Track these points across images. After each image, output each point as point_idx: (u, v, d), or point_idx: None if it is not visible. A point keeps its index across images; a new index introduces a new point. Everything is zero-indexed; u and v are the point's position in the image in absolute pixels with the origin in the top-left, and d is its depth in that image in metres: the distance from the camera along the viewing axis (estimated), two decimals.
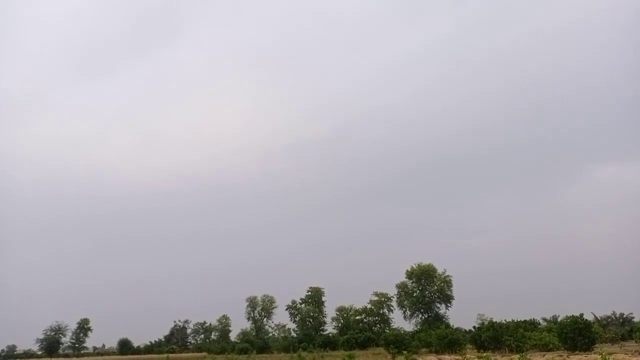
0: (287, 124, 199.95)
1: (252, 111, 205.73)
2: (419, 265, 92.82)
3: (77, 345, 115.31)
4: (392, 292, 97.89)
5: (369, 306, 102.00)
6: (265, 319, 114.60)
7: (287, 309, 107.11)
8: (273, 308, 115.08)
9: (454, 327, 70.01)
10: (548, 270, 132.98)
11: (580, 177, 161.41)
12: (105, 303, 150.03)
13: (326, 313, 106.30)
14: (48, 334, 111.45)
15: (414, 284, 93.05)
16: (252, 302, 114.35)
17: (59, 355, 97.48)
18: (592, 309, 71.94)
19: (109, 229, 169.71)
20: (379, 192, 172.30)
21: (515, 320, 54.77)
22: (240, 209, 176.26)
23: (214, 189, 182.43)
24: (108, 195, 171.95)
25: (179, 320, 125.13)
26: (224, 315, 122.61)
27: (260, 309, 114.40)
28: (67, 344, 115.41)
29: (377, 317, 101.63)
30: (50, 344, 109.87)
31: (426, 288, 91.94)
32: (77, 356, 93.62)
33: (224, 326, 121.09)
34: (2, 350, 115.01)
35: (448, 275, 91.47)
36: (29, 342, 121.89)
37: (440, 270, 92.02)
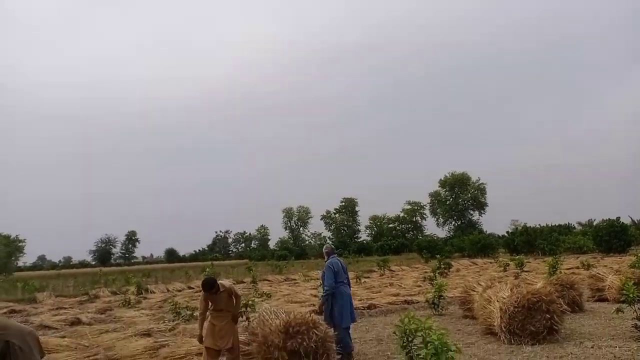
0: (315, 33, 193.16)
1: (275, 22, 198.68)
2: (452, 174, 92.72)
3: (127, 256, 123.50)
4: (425, 201, 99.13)
5: (402, 214, 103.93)
6: (301, 228, 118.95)
7: (322, 219, 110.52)
8: (308, 218, 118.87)
9: (487, 233, 70.89)
10: (585, 170, 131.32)
11: (628, 79, 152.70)
12: (151, 215, 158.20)
13: (360, 222, 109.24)
14: (100, 245, 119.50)
15: (447, 192, 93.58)
16: (288, 213, 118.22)
17: (111, 265, 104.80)
18: (630, 213, 71.35)
19: (142, 142, 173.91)
20: (411, 98, 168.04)
21: (550, 225, 54.95)
22: (273, 118, 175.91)
23: (244, 99, 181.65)
24: (141, 110, 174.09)
25: (221, 231, 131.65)
26: (262, 226, 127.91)
27: (296, 219, 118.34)
28: (117, 255, 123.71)
29: (410, 225, 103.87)
30: (103, 254, 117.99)
31: (459, 196, 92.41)
32: (128, 265, 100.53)
33: (262, 235, 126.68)
34: (59, 262, 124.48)
35: (482, 183, 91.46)
36: (83, 253, 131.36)
37: (474, 179, 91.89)
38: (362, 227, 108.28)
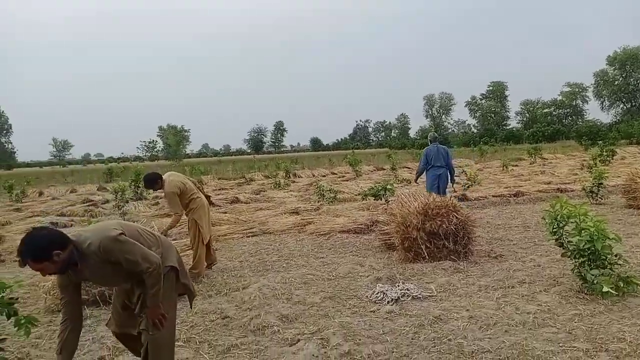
0: None
1: None
2: (624, 49, 79.47)
3: (276, 144, 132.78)
4: (588, 82, 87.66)
5: (559, 98, 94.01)
6: (443, 116, 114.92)
7: (466, 105, 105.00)
8: (451, 105, 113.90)
9: None
10: None
11: None
12: (297, 106, 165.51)
13: (509, 108, 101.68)
14: (252, 134, 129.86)
15: (616, 71, 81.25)
16: (429, 100, 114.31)
17: (263, 153, 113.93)
18: None
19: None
20: None
21: None
22: None
23: None
24: None
25: (361, 120, 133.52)
26: (402, 114, 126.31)
27: (438, 106, 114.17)
28: (268, 143, 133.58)
29: (568, 109, 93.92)
30: (255, 143, 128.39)
31: (631, 75, 79.77)
32: (278, 153, 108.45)
33: (402, 124, 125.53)
34: (220, 150, 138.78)
35: None
36: (239, 142, 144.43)
37: None
38: (511, 114, 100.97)
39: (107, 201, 16.53)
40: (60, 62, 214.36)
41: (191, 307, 3.82)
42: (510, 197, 12.41)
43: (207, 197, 6.85)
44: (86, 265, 2.75)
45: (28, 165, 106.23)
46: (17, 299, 3.42)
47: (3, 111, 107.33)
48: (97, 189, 22.23)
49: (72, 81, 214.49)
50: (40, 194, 21.42)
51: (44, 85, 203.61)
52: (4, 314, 3.19)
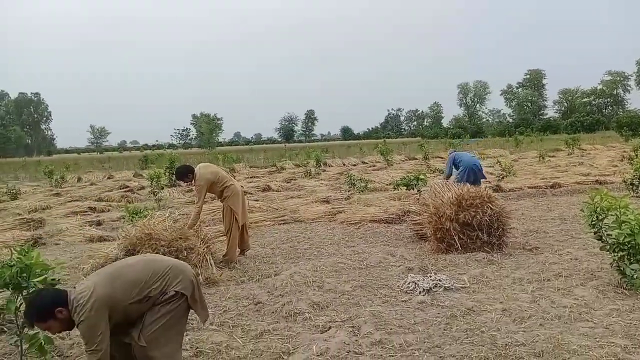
0: None
1: None
2: None
3: (307, 133, 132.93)
4: (630, 70, 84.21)
5: (599, 87, 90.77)
6: (477, 105, 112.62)
7: (501, 94, 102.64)
8: (486, 94, 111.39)
9: None
10: None
11: None
12: (327, 97, 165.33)
13: (547, 96, 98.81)
14: (283, 123, 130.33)
15: None
16: (463, 89, 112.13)
17: (293, 142, 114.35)
18: None
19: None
20: None
21: None
22: None
23: None
24: None
25: (392, 109, 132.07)
26: (435, 103, 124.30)
27: (473, 95, 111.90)
28: (299, 132, 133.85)
29: (608, 99, 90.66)
30: (286, 132, 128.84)
31: None
32: (308, 142, 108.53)
33: (435, 113, 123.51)
34: (251, 138, 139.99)
35: None
36: (270, 131, 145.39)
37: None
38: (549, 103, 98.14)
39: (143, 187, 16.94)
40: (98, 53, 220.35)
41: (203, 324, 3.84)
42: (547, 188, 12.13)
43: None
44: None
45: (67, 151, 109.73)
46: (58, 280, 3.57)
47: (43, 99, 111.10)
48: (133, 176, 22.81)
49: (109, 71, 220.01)
50: (79, 179, 22.13)
51: (82, 75, 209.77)
52: None
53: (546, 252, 6.18)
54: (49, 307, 2.78)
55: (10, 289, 3.33)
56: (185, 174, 6.27)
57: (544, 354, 3.39)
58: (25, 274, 3.29)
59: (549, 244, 6.61)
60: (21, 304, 3.39)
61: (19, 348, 3.52)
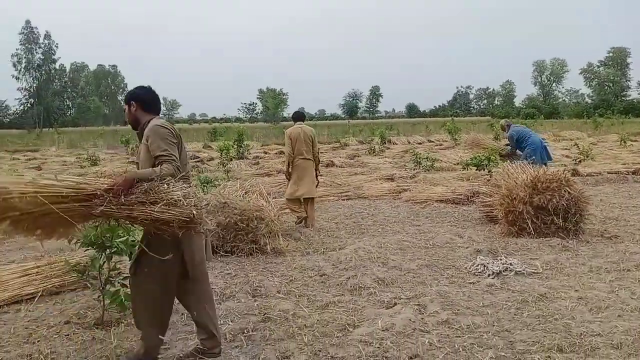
0: None
1: None
2: None
3: (371, 110, 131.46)
4: None
5: None
6: (554, 84, 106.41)
7: (580, 73, 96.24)
8: (563, 72, 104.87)
9: None
10: None
11: None
12: (392, 74, 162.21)
13: (631, 77, 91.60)
14: (347, 99, 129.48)
15: None
16: (539, 67, 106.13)
17: (357, 118, 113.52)
18: None
19: None
20: None
21: None
22: None
23: None
24: None
25: (462, 86, 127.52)
26: (507, 81, 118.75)
27: (549, 73, 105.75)
28: (363, 109, 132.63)
29: None
30: (350, 108, 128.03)
31: None
32: (372, 119, 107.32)
33: (507, 91, 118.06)
34: (315, 114, 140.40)
35: None
36: (334, 107, 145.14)
37: None
38: (632, 84, 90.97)
39: (212, 159, 17.51)
40: (176, 30, 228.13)
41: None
42: (629, 174, 11.36)
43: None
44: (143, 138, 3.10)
45: None
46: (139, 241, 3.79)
47: (120, 71, 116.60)
48: (203, 147, 23.60)
49: (183, 48, 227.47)
50: None
51: (156, 50, 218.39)
52: (127, 254, 3.59)
53: (627, 241, 5.81)
54: (132, 96, 3.29)
55: (94, 248, 3.59)
56: (299, 117, 7.26)
57: (623, 346, 3.22)
58: (108, 235, 3.53)
59: (630, 233, 6.21)
60: (104, 262, 3.66)
61: (101, 303, 3.81)
